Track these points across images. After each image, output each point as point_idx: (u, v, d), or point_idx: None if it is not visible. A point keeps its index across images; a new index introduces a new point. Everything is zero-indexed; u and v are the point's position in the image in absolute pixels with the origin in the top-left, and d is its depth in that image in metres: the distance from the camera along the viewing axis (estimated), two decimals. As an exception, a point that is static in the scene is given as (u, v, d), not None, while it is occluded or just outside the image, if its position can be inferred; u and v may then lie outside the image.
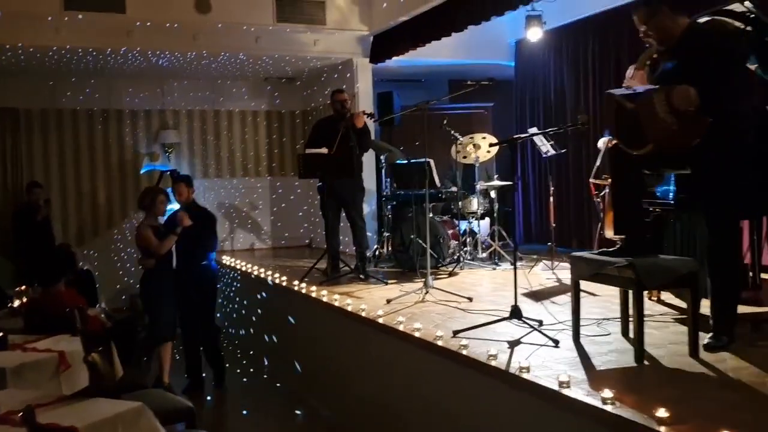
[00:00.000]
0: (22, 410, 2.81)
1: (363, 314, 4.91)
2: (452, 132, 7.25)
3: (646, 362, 3.39)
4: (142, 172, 9.65)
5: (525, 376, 3.25)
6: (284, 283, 6.55)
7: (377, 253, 7.81)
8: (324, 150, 6.49)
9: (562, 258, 6.74)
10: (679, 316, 4.39)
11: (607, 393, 2.82)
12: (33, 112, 9.20)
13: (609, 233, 6.17)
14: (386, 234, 7.84)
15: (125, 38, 7.53)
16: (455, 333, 4.07)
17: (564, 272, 6.32)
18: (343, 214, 6.83)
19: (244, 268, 7.83)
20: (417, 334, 4.21)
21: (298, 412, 5.54)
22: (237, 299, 8.14)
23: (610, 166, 3.91)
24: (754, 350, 3.55)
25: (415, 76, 10.24)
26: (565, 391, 3.00)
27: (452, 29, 7.01)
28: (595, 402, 2.82)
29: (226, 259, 8.76)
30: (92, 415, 3.02)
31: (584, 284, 4.01)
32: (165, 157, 9.75)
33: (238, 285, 8.10)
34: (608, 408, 2.76)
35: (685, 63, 3.58)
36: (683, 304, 4.46)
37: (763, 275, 4.87)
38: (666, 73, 3.66)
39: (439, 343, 3.97)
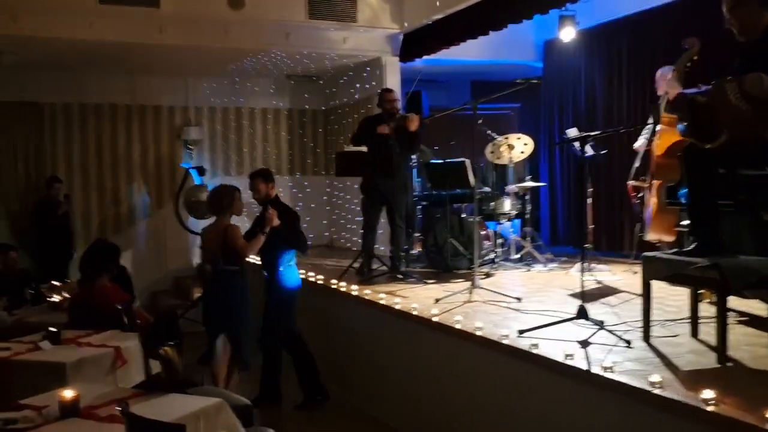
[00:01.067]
0: (118, 404, 2.75)
1: (415, 313, 4.87)
2: (488, 132, 7.21)
3: (729, 364, 3.36)
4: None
5: (609, 375, 3.22)
6: (321, 281, 6.50)
7: (406, 252, 7.76)
8: (363, 148, 6.45)
9: (598, 260, 6.73)
10: (741, 318, 4.36)
11: (708, 393, 2.78)
12: (56, 106, 9.12)
13: (651, 236, 6.16)
14: (417, 234, 7.79)
15: (158, 33, 7.47)
16: (521, 332, 4.02)
17: (602, 274, 6.30)
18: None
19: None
20: (479, 333, 4.17)
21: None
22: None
23: (685, 166, 3.87)
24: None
25: (437, 76, 10.20)
26: (658, 392, 2.96)
27: (491, 27, 6.98)
28: (696, 403, 2.78)
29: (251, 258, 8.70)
30: (177, 410, 2.96)
31: (626, 286, 3.92)
32: (187, 155, 9.68)
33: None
34: (711, 409, 2.72)
35: (764, 58, 3.55)
36: (740, 307, 4.45)
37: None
38: (744, 65, 3.63)
39: (506, 342, 3.93)
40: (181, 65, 8.92)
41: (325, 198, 10.34)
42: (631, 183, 6.52)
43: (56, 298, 5.70)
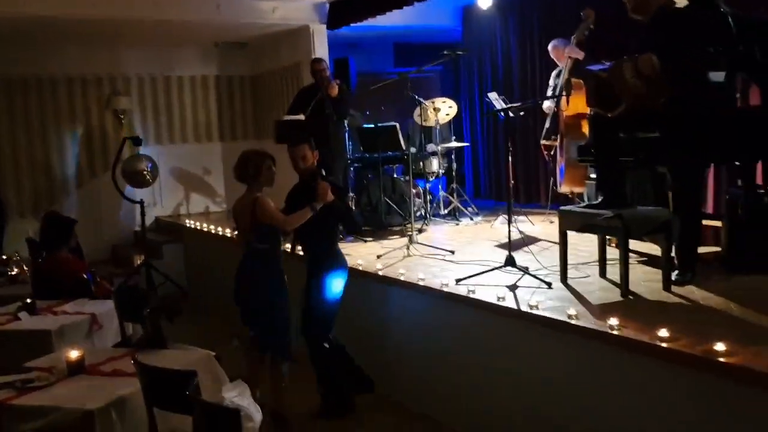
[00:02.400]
0: (130, 356, 3.18)
1: (361, 268, 5.41)
2: (416, 97, 7.73)
3: (630, 297, 4.06)
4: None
5: (535, 312, 3.85)
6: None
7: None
8: (300, 116, 6.86)
9: (518, 212, 7.43)
10: (640, 259, 5.10)
11: (613, 321, 3.45)
12: (-20, 80, 9.07)
13: (563, 189, 6.90)
14: (351, 195, 8.29)
15: (86, 5, 7.55)
16: (458, 281, 4.62)
17: (523, 225, 6.99)
18: None
19: (215, 231, 8.13)
20: (422, 283, 4.75)
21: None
22: (209, 264, 8.46)
23: (592, 131, 4.53)
24: (713, 282, 4.28)
25: (361, 40, 10.58)
26: (574, 322, 3.61)
27: (415, -2, 7.43)
28: (604, 329, 3.44)
29: (191, 223, 9.03)
30: (172, 363, 3.39)
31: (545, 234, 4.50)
32: (120, 124, 9.80)
33: (211, 249, 8.39)
34: (615, 332, 3.39)
35: (656, 37, 4.21)
36: (640, 249, 5.21)
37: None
38: (640, 45, 4.27)
39: (446, 289, 4.53)
40: (108, 36, 8.99)
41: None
42: (543, 142, 7.23)
43: (15, 271, 5.94)
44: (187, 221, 9.32)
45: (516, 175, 8.26)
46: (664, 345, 3.18)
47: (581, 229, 4.37)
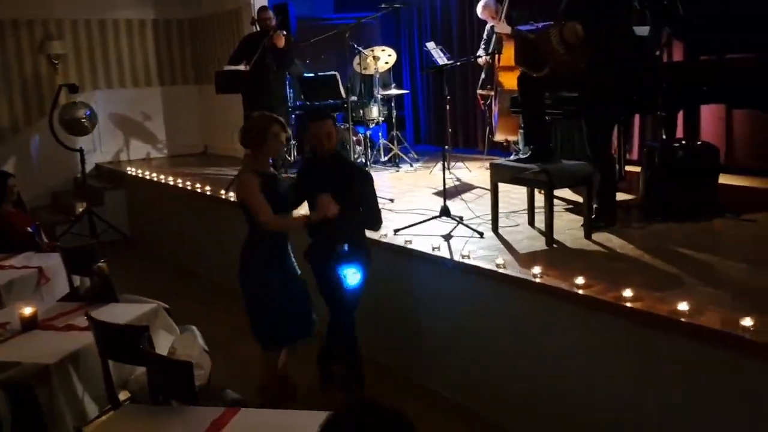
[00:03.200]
0: (82, 312, 3.33)
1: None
2: (355, 46, 7.82)
3: (554, 245, 4.38)
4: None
5: (467, 261, 4.13)
6: (209, 192, 7.06)
7: (284, 159, 8.38)
8: (241, 67, 6.90)
9: (456, 158, 7.69)
10: (566, 207, 5.43)
11: (537, 269, 3.76)
12: None
13: (498, 137, 7.18)
14: (292, 142, 8.41)
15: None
16: (396, 231, 4.87)
17: (460, 172, 7.26)
18: None
19: (157, 178, 8.18)
20: (362, 233, 4.98)
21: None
22: (152, 211, 8.51)
23: (520, 89, 4.76)
24: (630, 230, 4.63)
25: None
26: (502, 271, 3.91)
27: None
28: (528, 277, 3.75)
29: (132, 171, 9.03)
30: (123, 316, 3.56)
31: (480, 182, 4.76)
32: (54, 70, 9.59)
33: (153, 195, 8.43)
34: (538, 280, 3.70)
35: (582, 7, 4.44)
36: (566, 196, 5.54)
37: (628, 167, 6.05)
38: (567, 12, 4.50)
39: (385, 240, 4.77)
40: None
41: (196, 107, 10.62)
42: (479, 92, 7.46)
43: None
44: (128, 168, 9.30)
45: (455, 123, 8.50)
46: (580, 292, 3.50)
47: (511, 182, 4.64)
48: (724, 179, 5.62)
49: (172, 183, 7.78)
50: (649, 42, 5.52)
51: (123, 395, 3.42)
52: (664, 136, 5.15)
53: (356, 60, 7.96)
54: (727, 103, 5.65)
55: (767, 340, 2.78)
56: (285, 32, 7.04)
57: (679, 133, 5.53)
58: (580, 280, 3.55)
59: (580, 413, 3.51)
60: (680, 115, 5.97)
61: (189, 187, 7.44)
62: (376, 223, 4.16)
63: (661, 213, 4.85)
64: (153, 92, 10.47)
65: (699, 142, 5.18)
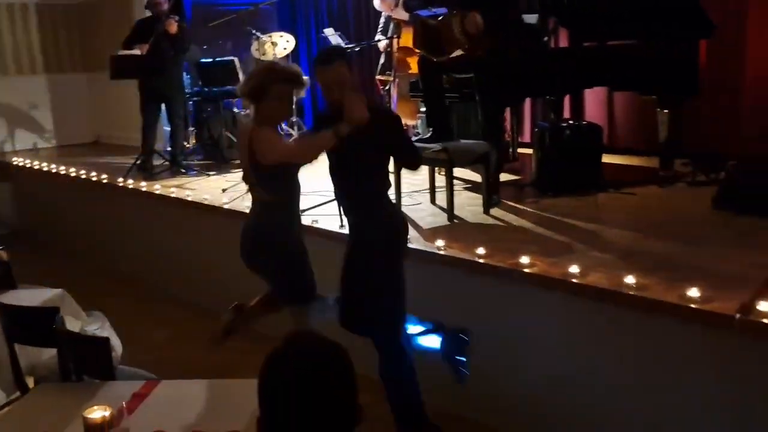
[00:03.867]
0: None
1: (207, 203, 5.60)
2: (253, 31, 7.79)
3: (456, 221, 4.59)
4: None
5: (373, 237, 4.27)
6: (105, 180, 6.89)
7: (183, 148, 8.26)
8: (137, 51, 6.75)
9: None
10: (465, 186, 5.68)
11: (440, 242, 3.95)
12: None
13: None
14: (191, 129, 8.31)
15: None
16: (302, 211, 4.94)
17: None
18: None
19: (47, 168, 7.88)
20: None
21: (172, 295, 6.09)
22: (42, 202, 8.20)
23: (421, 72, 4.95)
24: (524, 205, 4.92)
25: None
26: (409, 245, 4.07)
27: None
28: (433, 249, 3.94)
29: (19, 161, 8.64)
30: (31, 300, 3.49)
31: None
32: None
33: (43, 186, 8.13)
34: (442, 252, 3.90)
35: None
36: (465, 176, 5.79)
37: (520, 150, 6.38)
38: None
39: (291, 220, 4.84)
40: None
41: (86, 96, 10.25)
42: (378, 77, 7.62)
43: None
44: (14, 159, 8.89)
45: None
46: (481, 261, 3.72)
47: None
48: (607, 158, 6.05)
49: (63, 172, 7.52)
50: (537, 29, 5.86)
51: (30, 383, 3.36)
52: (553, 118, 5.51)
53: (254, 46, 7.93)
54: (609, 86, 6.06)
55: (647, 295, 3.08)
56: (177, 18, 6.95)
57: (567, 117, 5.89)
58: (481, 251, 3.77)
59: (485, 365, 3.74)
60: (567, 99, 6.40)
61: (84, 176, 7.23)
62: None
63: (551, 189, 5.17)
64: (38, 80, 10.02)
65: (584, 123, 5.54)
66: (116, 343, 3.62)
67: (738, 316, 2.81)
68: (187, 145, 8.28)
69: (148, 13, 7.10)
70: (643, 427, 3.14)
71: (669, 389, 3.03)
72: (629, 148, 6.62)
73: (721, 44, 5.73)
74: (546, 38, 5.48)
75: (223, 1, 9.90)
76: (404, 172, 4.99)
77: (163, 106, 7.13)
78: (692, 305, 2.95)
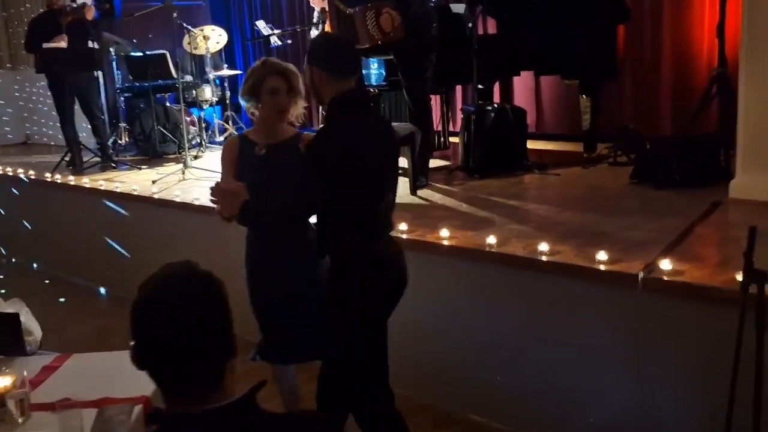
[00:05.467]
0: None
1: (136, 193, 5.54)
2: (184, 24, 7.73)
3: (382, 201, 4.65)
4: None
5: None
6: (33, 176, 6.74)
7: (115, 143, 8.15)
8: (63, 44, 6.63)
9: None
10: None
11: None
12: None
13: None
14: (123, 124, 8.20)
15: None
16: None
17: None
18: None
19: None
20: (197, 203, 5.02)
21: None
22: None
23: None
24: (450, 187, 5.02)
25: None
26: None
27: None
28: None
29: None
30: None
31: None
32: None
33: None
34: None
35: None
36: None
37: (452, 139, 6.49)
38: None
39: (220, 206, 4.83)
40: None
41: (13, 94, 10.00)
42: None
43: None
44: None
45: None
46: (404, 236, 3.78)
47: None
48: (535, 144, 6.21)
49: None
50: (460, 16, 5.97)
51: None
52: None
53: (186, 40, 7.87)
54: (534, 71, 6.22)
55: (555, 260, 3.19)
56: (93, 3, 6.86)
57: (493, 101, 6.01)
58: (403, 226, 3.84)
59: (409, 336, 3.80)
60: (497, 87, 6.53)
61: (11, 174, 7.06)
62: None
63: (478, 171, 5.27)
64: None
65: (509, 106, 5.66)
66: (34, 326, 3.55)
67: (641, 274, 2.92)
68: (120, 142, 8.18)
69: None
70: (550, 383, 3.24)
71: (575, 346, 3.14)
72: (556, 134, 6.79)
73: (638, 26, 5.96)
74: (470, 25, 5.58)
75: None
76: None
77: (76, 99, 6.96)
78: (600, 267, 3.07)
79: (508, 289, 3.39)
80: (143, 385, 2.26)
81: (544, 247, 3.30)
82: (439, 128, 6.53)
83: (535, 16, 5.75)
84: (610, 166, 5.44)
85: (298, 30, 7.43)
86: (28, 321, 3.46)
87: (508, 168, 5.32)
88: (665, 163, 4.58)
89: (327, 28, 6.45)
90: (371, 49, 4.95)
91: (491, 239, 3.48)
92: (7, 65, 10.01)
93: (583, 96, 5.65)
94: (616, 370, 3.01)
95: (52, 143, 8.94)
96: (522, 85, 6.97)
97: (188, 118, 7.96)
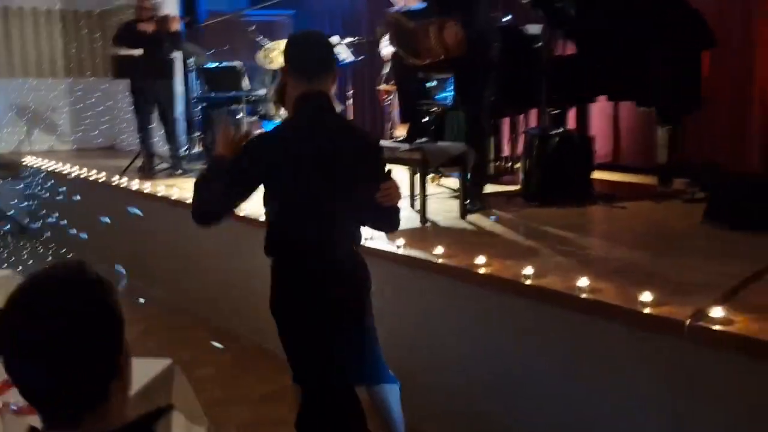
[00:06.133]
0: None
1: (189, 202, 5.50)
2: (258, 37, 7.78)
3: (428, 224, 4.42)
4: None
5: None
6: (102, 179, 6.88)
7: (187, 152, 8.26)
8: (139, 51, 6.77)
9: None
10: (455, 194, 5.50)
11: (400, 241, 3.79)
12: None
13: (398, 132, 7.24)
14: (197, 134, 8.30)
15: None
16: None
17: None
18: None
19: (52, 168, 7.93)
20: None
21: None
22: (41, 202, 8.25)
23: (394, 71, 4.83)
24: (505, 213, 4.72)
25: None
26: (369, 244, 3.92)
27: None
28: (392, 248, 3.77)
29: (31, 160, 8.74)
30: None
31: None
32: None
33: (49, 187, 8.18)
34: (401, 251, 3.73)
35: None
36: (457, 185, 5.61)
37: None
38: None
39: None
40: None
41: (104, 100, 10.37)
42: (381, 87, 7.52)
43: None
44: (25, 158, 8.98)
45: (358, 118, 8.54)
46: (439, 261, 3.54)
47: (388, 161, 4.67)
48: (608, 175, 5.85)
49: (76, 174, 7.48)
50: (529, 36, 5.69)
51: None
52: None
53: (260, 53, 7.91)
54: (606, 95, 5.87)
55: (593, 297, 2.87)
56: (175, 15, 6.96)
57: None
58: (439, 250, 3.60)
59: (423, 370, 3.54)
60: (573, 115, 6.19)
61: (83, 176, 7.24)
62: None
63: (537, 199, 4.96)
64: (59, 83, 10.18)
65: (575, 132, 5.34)
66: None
67: (688, 321, 2.58)
68: (193, 150, 8.27)
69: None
70: (578, 429, 2.91)
71: (609, 393, 2.81)
72: (632, 166, 6.38)
73: (726, 56, 5.51)
74: (540, 45, 5.31)
75: (236, 10, 9.98)
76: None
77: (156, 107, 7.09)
78: (642, 309, 2.73)
79: (539, 326, 3.09)
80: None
81: (583, 282, 2.98)
82: (508, 152, 6.24)
83: (613, 38, 5.42)
84: (684, 202, 5.00)
85: (364, 41, 7.26)
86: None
87: (570, 197, 4.97)
88: (744, 202, 4.14)
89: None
90: (432, 66, 4.73)
91: (528, 270, 3.19)
92: (102, 75, 10.38)
93: (661, 127, 5.27)
94: (653, 426, 2.66)
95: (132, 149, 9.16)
96: (599, 112, 6.59)
97: (260, 131, 7.99)
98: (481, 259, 3.40)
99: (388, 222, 2.78)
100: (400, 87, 4.74)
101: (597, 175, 5.81)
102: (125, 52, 6.82)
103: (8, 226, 8.51)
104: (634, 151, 6.54)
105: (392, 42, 5.03)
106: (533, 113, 7.02)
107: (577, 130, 6.10)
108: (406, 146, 4.44)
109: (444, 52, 4.38)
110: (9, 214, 8.48)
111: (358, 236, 2.71)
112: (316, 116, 2.52)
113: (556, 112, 5.96)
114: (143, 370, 2.39)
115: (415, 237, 3.98)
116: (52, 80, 10.14)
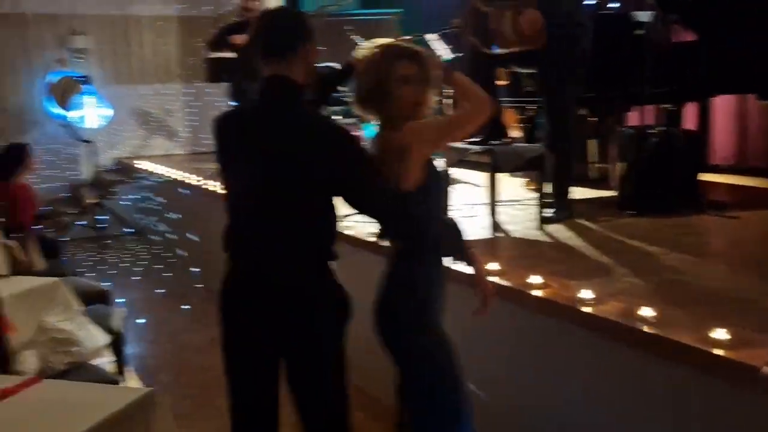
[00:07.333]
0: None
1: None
2: (353, 36, 7.56)
3: (498, 234, 3.98)
4: (48, 79, 9.56)
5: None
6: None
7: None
8: (232, 54, 6.74)
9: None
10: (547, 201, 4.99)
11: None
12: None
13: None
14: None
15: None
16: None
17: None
18: None
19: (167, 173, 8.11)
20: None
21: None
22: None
23: (468, 63, 4.40)
24: (591, 222, 4.18)
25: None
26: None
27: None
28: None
29: (145, 165, 9.01)
30: (12, 288, 3.39)
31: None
32: (75, 63, 9.72)
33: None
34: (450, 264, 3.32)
35: None
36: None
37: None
38: None
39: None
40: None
41: (218, 105, 10.56)
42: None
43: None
44: (147, 163, 9.26)
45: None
46: (490, 279, 3.11)
47: (457, 165, 4.28)
48: (736, 179, 5.14)
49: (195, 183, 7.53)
50: (649, 25, 5.06)
51: None
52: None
53: (356, 53, 7.69)
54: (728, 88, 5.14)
55: (653, 331, 2.36)
56: None
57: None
58: (493, 266, 3.17)
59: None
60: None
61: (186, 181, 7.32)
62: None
63: (632, 207, 4.38)
64: (174, 88, 10.48)
65: (679, 129, 4.69)
66: (94, 339, 3.44)
67: (765, 368, 2.04)
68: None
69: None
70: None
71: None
72: (761, 167, 5.58)
73: None
74: (641, 31, 4.69)
75: (350, 10, 9.83)
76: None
77: None
78: (713, 350, 2.20)
79: (589, 361, 2.61)
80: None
81: (647, 312, 2.47)
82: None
83: (736, 24, 4.74)
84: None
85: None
86: (87, 333, 3.34)
87: (673, 206, 4.36)
88: None
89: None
90: (510, 58, 4.28)
91: (587, 294, 2.71)
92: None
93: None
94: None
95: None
96: (723, 109, 5.83)
97: (355, 134, 7.78)
98: (536, 279, 2.95)
99: (384, 227, 2.41)
100: (473, 80, 4.31)
101: (716, 178, 5.13)
102: (219, 54, 6.81)
103: (130, 230, 8.82)
104: (764, 153, 5.72)
105: (466, 30, 4.61)
106: (648, 110, 6.36)
107: (697, 128, 5.40)
108: (476, 148, 4.03)
109: (518, 42, 3.93)
110: (128, 217, 8.79)
111: (331, 253, 2.28)
112: (276, 105, 2.24)
113: (672, 108, 5.31)
114: (120, 396, 2.20)
115: (477, 249, 3.56)
116: (168, 85, 10.45)
